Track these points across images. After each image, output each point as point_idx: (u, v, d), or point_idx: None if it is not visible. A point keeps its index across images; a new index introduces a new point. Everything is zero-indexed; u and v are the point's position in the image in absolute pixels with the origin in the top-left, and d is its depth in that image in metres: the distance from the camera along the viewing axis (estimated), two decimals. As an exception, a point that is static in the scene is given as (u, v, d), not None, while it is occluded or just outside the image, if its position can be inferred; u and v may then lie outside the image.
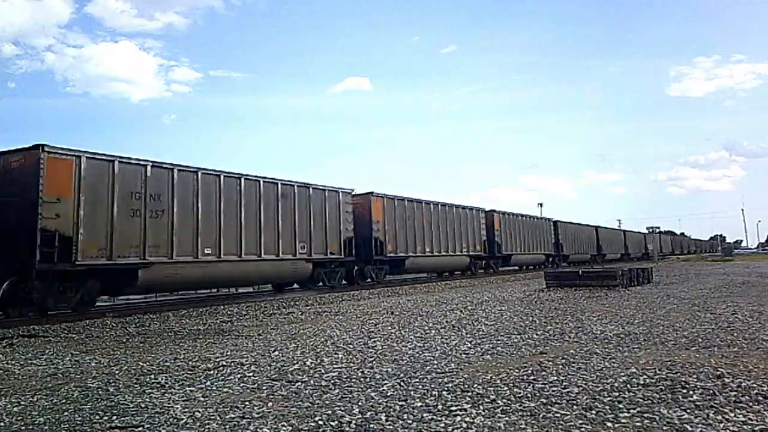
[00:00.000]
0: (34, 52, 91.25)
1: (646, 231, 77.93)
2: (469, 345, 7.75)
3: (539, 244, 45.35)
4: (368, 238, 25.87)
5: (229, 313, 14.70)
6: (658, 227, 71.83)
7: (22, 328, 12.28)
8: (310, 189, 22.47)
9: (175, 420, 4.55)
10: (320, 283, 23.24)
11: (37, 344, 9.93)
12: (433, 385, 5.37)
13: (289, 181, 21.57)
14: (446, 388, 5.23)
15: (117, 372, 6.87)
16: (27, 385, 6.28)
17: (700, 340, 7.69)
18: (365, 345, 8.13)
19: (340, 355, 7.37)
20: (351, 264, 24.86)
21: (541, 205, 72.77)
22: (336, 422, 4.30)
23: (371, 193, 26.63)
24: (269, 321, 12.29)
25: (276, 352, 7.83)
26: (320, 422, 4.32)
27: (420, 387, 5.33)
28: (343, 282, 25.04)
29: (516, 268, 43.37)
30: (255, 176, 20.00)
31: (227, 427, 4.30)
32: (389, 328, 10.00)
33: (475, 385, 5.29)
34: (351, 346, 8.06)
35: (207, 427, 4.32)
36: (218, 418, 4.54)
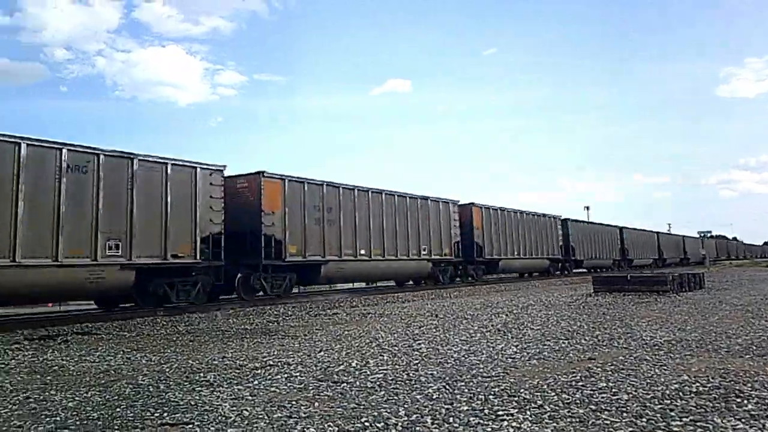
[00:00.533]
0: (85, 56, 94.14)
1: (698, 235, 75.37)
2: (516, 349, 7.68)
3: (540, 247, 37.68)
4: (257, 236, 18.89)
5: (275, 313, 14.86)
6: (710, 232, 68.70)
7: (77, 325, 12.64)
8: (134, 162, 15.40)
9: (224, 418, 4.62)
10: (169, 303, 16.29)
11: (91, 341, 10.19)
12: (479, 389, 5.34)
13: (86, 147, 14.48)
14: (492, 393, 5.19)
15: (167, 370, 7.01)
16: (81, 381, 6.45)
17: (754, 347, 7.47)
18: (410, 347, 8.13)
19: (385, 357, 7.38)
20: (219, 270, 17.63)
21: (587, 208, 71.31)
22: (382, 424, 4.31)
23: (261, 172, 19.23)
24: (315, 322, 12.38)
25: (322, 353, 7.89)
26: (366, 423, 4.33)
27: (466, 391, 5.30)
28: (234, 295, 19.43)
29: (515, 275, 36.59)
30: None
31: (275, 426, 4.34)
32: (434, 330, 9.98)
33: (522, 390, 5.24)
34: (396, 348, 8.07)
35: (255, 425, 4.37)
36: (266, 417, 4.59)
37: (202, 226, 16.87)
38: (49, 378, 6.71)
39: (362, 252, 22.77)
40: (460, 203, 29.96)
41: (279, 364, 7.13)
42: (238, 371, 6.74)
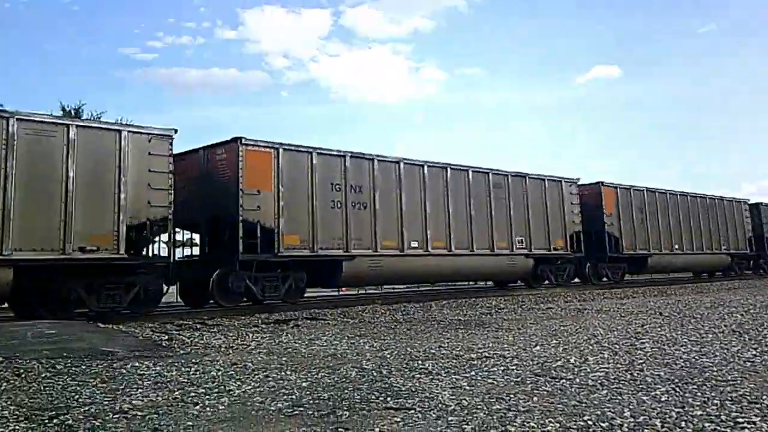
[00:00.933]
0: (300, 63, 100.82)
1: None
2: (755, 352, 6.98)
3: (717, 240, 29.54)
4: (234, 223, 14.35)
5: (487, 305, 14.92)
6: None
7: (305, 311, 13.67)
8: (10, 122, 11.55)
9: (444, 406, 4.72)
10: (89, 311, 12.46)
11: (318, 326, 10.98)
12: (713, 394, 4.93)
13: None
14: (729, 398, 4.77)
15: (388, 356, 7.33)
16: (312, 363, 6.97)
17: None
18: (632, 346, 7.73)
19: (605, 355, 7.09)
20: (166, 269, 13.69)
21: None
22: (606, 424, 4.14)
23: (239, 138, 14.52)
24: (528, 315, 12.24)
25: (537, 347, 7.78)
26: (589, 422, 4.20)
27: (698, 394, 4.93)
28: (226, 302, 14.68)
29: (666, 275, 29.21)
30: None
31: (494, 417, 4.36)
32: (658, 329, 9.40)
33: (765, 397, 4.76)
34: (617, 346, 7.72)
35: (474, 415, 4.42)
36: (485, 408, 4.62)
37: (133, 209, 12.68)
38: (284, 359, 7.33)
39: (413, 245, 17.55)
40: (580, 182, 23.54)
41: (495, 356, 7.15)
42: (455, 361, 6.86)
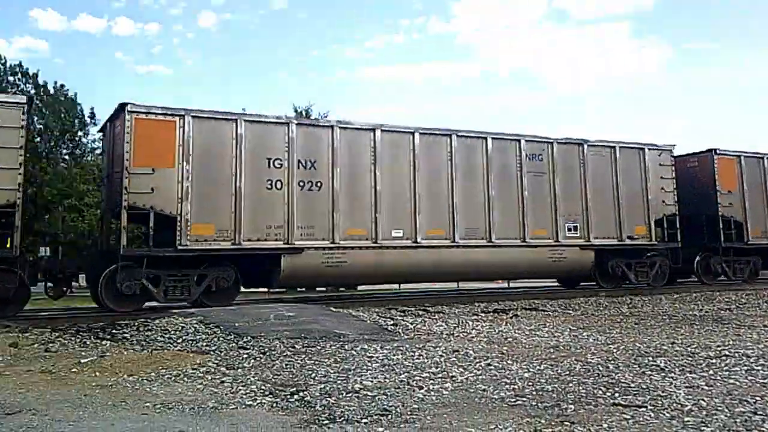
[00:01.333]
0: (513, 50, 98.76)
1: None
2: None
3: None
4: (118, 210, 12.10)
5: (727, 300, 13.70)
6: None
7: (524, 301, 13.53)
8: None
9: (679, 405, 4.43)
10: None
11: (538, 317, 10.83)
12: None
13: None
14: None
15: (614, 350, 7.03)
16: (533, 354, 6.89)
17: None
18: None
19: None
20: None
21: None
22: None
23: (125, 105, 11.88)
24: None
25: (790, 347, 7.01)
26: None
27: None
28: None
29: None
30: None
31: (737, 420, 4.01)
32: None
33: None
34: None
35: (714, 417, 4.10)
36: (726, 411, 4.26)
37: None
38: (504, 348, 7.32)
39: (395, 234, 13.75)
40: (675, 152, 17.48)
41: (736, 355, 6.56)
42: (690, 359, 6.40)
